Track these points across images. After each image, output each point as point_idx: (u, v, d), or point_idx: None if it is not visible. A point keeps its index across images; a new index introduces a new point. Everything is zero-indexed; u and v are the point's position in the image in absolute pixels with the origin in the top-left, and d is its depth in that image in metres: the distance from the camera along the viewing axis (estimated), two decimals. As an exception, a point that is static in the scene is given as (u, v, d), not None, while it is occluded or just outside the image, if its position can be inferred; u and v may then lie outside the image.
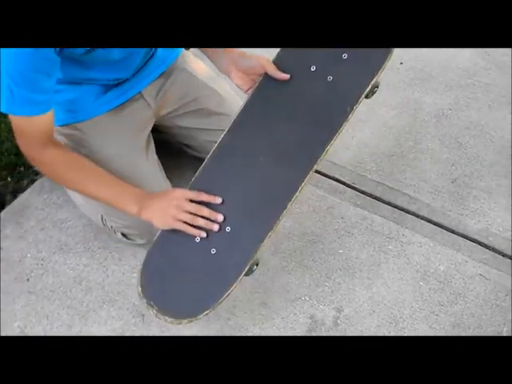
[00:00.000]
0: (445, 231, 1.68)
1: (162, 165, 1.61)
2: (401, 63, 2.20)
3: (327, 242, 1.65)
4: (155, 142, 1.63)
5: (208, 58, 1.51)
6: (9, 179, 1.72)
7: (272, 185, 1.32)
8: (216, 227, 1.30)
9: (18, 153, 1.77)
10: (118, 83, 1.54)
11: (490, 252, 1.64)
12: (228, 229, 1.31)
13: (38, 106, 1.29)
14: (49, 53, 1.22)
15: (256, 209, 1.31)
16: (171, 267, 1.33)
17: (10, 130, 1.81)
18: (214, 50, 1.47)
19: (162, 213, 1.31)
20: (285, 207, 1.29)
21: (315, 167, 1.32)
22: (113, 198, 1.36)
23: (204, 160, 1.38)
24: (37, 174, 1.76)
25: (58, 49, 1.24)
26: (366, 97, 1.35)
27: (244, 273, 1.28)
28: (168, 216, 1.30)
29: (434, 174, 1.83)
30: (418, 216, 1.72)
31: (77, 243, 1.63)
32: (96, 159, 1.44)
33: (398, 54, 2.21)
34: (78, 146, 1.50)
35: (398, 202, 1.75)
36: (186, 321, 1.28)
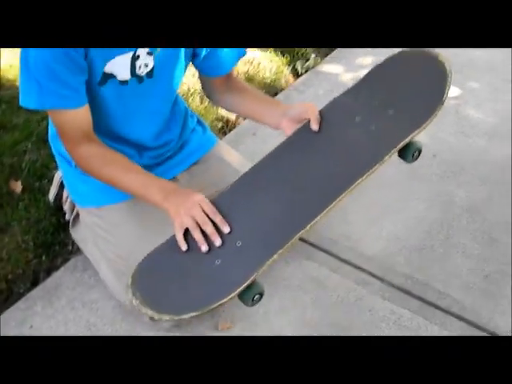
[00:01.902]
0: (475, 329, 1.65)
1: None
2: (434, 156, 2.22)
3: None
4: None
5: (255, 119, 1.62)
6: (43, 257, 1.75)
7: (289, 211, 1.37)
8: (219, 242, 1.31)
9: (54, 232, 1.83)
10: (156, 163, 1.60)
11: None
12: (239, 243, 1.32)
13: (67, 100, 1.36)
14: (71, 51, 1.30)
15: (270, 231, 1.34)
16: (170, 267, 1.34)
17: (48, 208, 1.87)
18: (262, 108, 1.58)
19: (178, 207, 1.34)
20: (296, 233, 1.32)
21: (334, 203, 1.35)
22: (142, 188, 1.41)
23: None
24: (70, 252, 1.80)
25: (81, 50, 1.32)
26: (407, 159, 1.43)
27: (242, 289, 1.26)
28: (181, 211, 1.32)
29: (466, 269, 1.82)
30: (447, 312, 1.70)
31: (104, 324, 1.65)
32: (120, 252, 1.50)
33: (431, 146, 2.24)
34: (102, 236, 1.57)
35: (428, 297, 1.74)
36: (167, 317, 1.26)
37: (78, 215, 1.71)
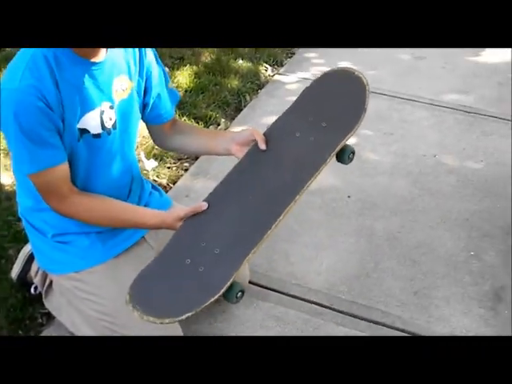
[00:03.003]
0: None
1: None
2: (348, 197, 2.53)
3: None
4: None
5: (207, 152, 1.85)
6: (20, 332, 1.81)
7: (256, 217, 1.58)
8: (205, 205, 1.59)
9: (22, 307, 1.90)
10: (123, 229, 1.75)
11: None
12: (217, 250, 1.54)
13: (54, 158, 1.51)
14: (49, 112, 1.46)
15: (241, 236, 1.56)
16: (161, 279, 1.52)
17: (12, 286, 1.93)
18: (211, 140, 1.80)
19: (172, 223, 1.61)
20: (264, 234, 1.53)
21: (292, 203, 1.57)
22: (141, 223, 1.67)
23: None
24: (42, 325, 1.87)
25: (57, 111, 1.48)
26: (345, 161, 1.67)
27: (226, 288, 1.46)
28: (176, 224, 1.60)
29: (398, 289, 2.10)
30: (392, 328, 1.96)
31: None
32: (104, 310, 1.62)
33: (345, 188, 2.56)
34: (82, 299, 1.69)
35: (373, 317, 1.99)
36: (167, 320, 1.42)
37: (50, 285, 1.80)
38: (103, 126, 1.61)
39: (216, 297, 1.46)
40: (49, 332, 1.86)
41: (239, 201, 1.63)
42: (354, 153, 1.69)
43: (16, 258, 1.97)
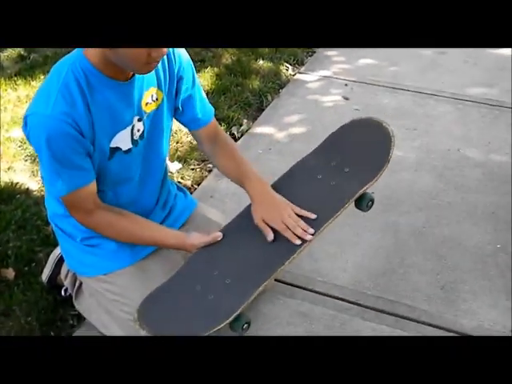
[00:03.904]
0: (445, 331, 1.92)
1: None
2: (373, 192, 2.52)
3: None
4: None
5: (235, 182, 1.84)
6: (52, 333, 1.86)
7: (270, 251, 1.62)
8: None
9: (53, 309, 1.94)
10: None
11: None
12: (228, 280, 1.58)
13: (83, 179, 1.54)
14: (80, 138, 1.48)
15: (253, 269, 1.59)
16: (169, 301, 1.56)
17: (42, 288, 1.98)
18: (240, 177, 1.78)
19: (191, 246, 1.69)
20: (276, 270, 1.57)
21: (307, 243, 1.61)
22: (160, 241, 1.71)
23: None
24: (73, 326, 1.91)
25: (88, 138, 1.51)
26: (363, 208, 1.70)
27: (232, 318, 1.49)
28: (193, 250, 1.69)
29: (424, 283, 2.09)
30: (418, 322, 1.96)
31: None
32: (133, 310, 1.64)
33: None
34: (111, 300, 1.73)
35: (400, 312, 1.99)
36: None
37: (79, 287, 1.83)
38: (132, 140, 1.64)
39: (222, 325, 1.49)
40: (80, 333, 1.90)
41: (255, 234, 1.66)
42: (372, 201, 1.72)
43: (46, 262, 2.01)
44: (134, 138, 1.64)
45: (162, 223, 1.81)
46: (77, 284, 1.84)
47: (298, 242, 1.59)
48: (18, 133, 2.73)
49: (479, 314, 1.98)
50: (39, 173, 2.51)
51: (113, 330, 1.76)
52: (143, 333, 1.48)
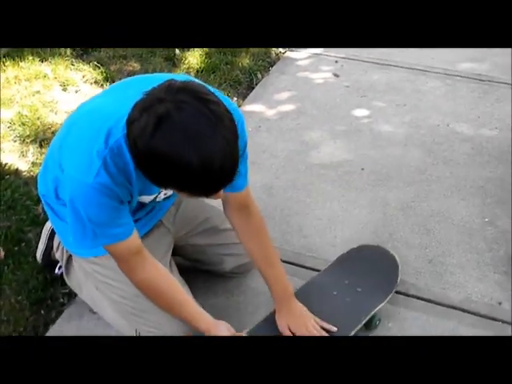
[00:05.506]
0: (434, 305, 1.93)
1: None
2: (362, 169, 2.53)
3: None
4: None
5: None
6: (42, 312, 1.87)
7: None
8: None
9: (44, 288, 1.95)
10: (146, 213, 1.77)
11: (475, 317, 1.89)
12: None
13: (120, 236, 1.50)
14: (118, 206, 1.46)
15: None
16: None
17: (32, 268, 1.99)
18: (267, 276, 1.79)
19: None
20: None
21: None
22: (192, 322, 1.62)
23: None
24: (63, 304, 1.92)
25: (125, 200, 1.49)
26: (371, 327, 1.82)
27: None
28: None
29: (412, 257, 2.11)
30: (407, 295, 1.97)
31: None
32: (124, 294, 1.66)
33: (358, 161, 2.56)
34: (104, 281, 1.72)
35: (388, 286, 2.00)
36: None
37: (70, 263, 1.84)
38: (153, 200, 1.65)
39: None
40: (69, 311, 1.91)
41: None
42: (380, 320, 1.84)
43: (36, 242, 2.02)
44: (157, 199, 1.65)
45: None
46: (65, 257, 1.84)
47: None
48: (6, 114, 2.71)
49: (467, 287, 1.99)
50: (28, 153, 2.51)
51: (107, 310, 1.77)
52: None
